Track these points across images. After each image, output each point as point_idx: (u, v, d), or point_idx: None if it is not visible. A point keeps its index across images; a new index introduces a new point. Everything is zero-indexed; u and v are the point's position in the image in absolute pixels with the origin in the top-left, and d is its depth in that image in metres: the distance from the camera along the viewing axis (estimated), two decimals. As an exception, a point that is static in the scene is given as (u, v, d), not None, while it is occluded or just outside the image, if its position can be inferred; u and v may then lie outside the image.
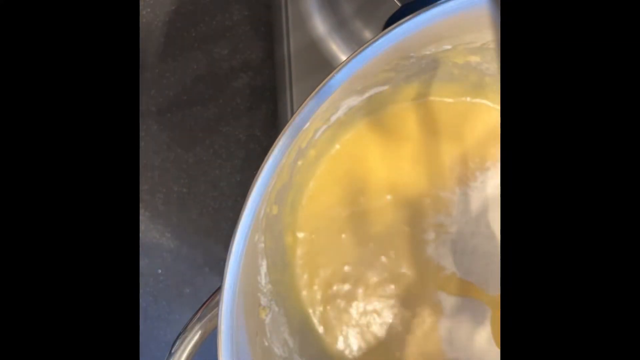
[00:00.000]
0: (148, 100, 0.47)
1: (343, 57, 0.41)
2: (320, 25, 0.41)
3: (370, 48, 0.25)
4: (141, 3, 0.46)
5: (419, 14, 0.25)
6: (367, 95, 0.32)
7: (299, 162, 0.32)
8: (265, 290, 0.31)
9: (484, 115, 0.34)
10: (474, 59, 0.30)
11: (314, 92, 0.26)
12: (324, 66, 0.41)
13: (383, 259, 0.34)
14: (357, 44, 0.42)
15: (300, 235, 0.34)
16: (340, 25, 0.42)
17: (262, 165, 0.26)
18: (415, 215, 0.34)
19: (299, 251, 0.34)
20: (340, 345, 0.34)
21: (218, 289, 0.26)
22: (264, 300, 0.31)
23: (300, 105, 0.26)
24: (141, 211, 0.47)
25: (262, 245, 0.30)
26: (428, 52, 0.28)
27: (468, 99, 0.34)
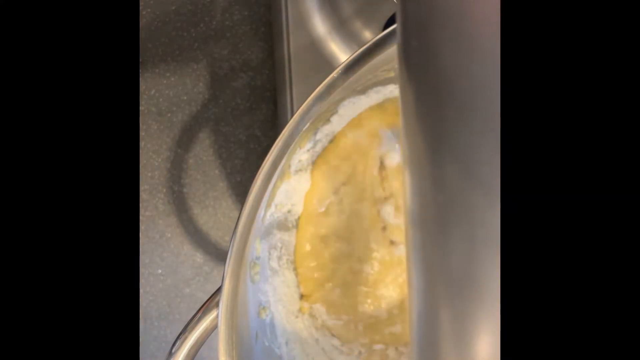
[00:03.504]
0: (148, 100, 0.47)
1: (343, 57, 0.41)
2: (320, 25, 0.41)
3: (370, 48, 0.25)
4: (141, 3, 0.46)
5: (419, 14, 0.25)
6: (367, 94, 0.32)
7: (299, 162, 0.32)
8: (265, 290, 0.31)
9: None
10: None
11: (314, 93, 0.26)
12: (324, 66, 0.41)
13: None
14: (357, 44, 0.42)
15: (301, 234, 0.34)
16: (340, 25, 0.42)
17: (263, 165, 0.26)
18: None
19: (298, 251, 0.34)
20: (338, 343, 0.34)
21: (218, 289, 0.26)
22: (264, 300, 0.31)
23: (300, 105, 0.26)
24: (141, 211, 0.47)
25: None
26: (428, 52, 0.28)
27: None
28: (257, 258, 0.30)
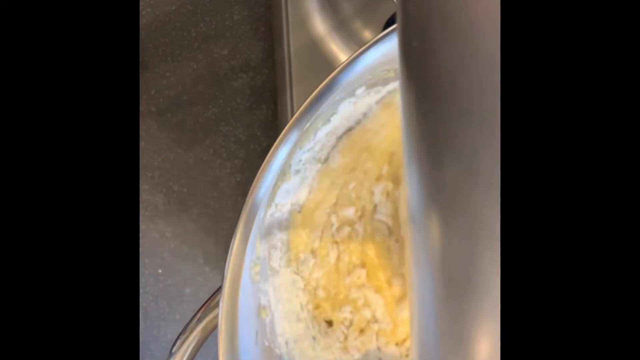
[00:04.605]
0: (148, 100, 0.47)
1: (343, 57, 0.41)
2: (320, 25, 0.41)
3: (370, 48, 0.25)
4: (141, 3, 0.46)
5: (419, 14, 0.25)
6: (367, 94, 0.32)
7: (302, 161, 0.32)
8: (265, 290, 0.31)
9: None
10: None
11: (314, 92, 0.26)
12: (324, 66, 0.41)
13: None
14: (357, 44, 0.42)
15: (301, 233, 0.34)
16: (340, 25, 0.42)
17: (263, 165, 0.26)
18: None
19: (299, 250, 0.34)
20: (336, 341, 0.34)
21: (218, 289, 0.26)
22: (264, 300, 0.31)
23: (301, 105, 0.26)
24: (141, 211, 0.47)
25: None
26: (428, 52, 0.28)
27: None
28: (257, 258, 0.30)
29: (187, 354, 0.27)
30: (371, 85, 0.31)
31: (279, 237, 0.33)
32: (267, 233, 0.31)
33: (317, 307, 0.34)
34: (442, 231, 0.16)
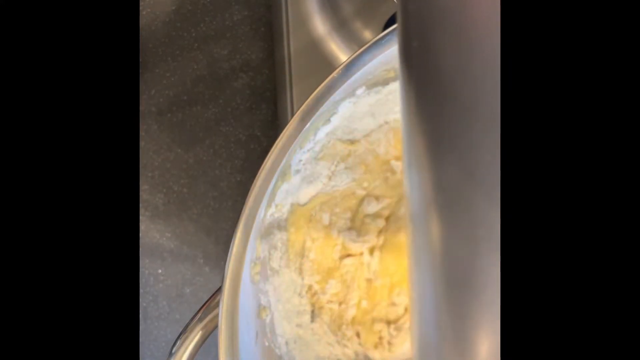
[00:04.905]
0: (148, 100, 0.47)
1: (343, 57, 0.41)
2: (320, 25, 0.41)
3: (370, 48, 0.25)
4: (141, 3, 0.46)
5: (419, 14, 0.25)
6: (367, 94, 0.32)
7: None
8: (265, 290, 0.31)
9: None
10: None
11: (314, 93, 0.26)
12: (324, 66, 0.41)
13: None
14: (357, 44, 0.42)
15: (300, 233, 0.34)
16: (340, 25, 0.42)
17: (263, 165, 0.26)
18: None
19: (299, 249, 0.34)
20: (336, 344, 0.34)
21: (218, 289, 0.26)
22: (264, 300, 0.31)
23: (300, 105, 0.26)
24: (141, 211, 0.47)
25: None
26: (428, 52, 0.28)
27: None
28: (257, 258, 0.30)
29: (187, 354, 0.27)
30: (371, 85, 0.31)
31: (279, 237, 0.33)
32: (267, 233, 0.31)
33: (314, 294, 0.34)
34: (442, 231, 0.16)
